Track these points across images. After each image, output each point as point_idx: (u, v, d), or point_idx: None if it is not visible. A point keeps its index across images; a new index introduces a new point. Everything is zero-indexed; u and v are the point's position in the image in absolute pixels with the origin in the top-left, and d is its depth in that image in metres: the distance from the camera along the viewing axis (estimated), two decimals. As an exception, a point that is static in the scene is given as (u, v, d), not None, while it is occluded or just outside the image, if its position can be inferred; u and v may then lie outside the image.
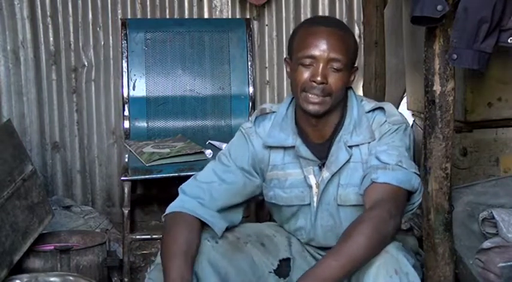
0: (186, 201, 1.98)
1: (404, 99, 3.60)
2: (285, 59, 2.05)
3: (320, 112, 1.93)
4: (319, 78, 1.88)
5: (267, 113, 2.07)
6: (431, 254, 2.27)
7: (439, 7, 2.03)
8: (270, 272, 2.02)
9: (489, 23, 2.04)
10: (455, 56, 2.09)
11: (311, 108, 1.92)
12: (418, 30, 2.56)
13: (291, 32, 3.71)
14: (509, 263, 2.31)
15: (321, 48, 1.89)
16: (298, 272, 2.04)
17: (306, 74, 1.91)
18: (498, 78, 2.87)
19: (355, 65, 2.00)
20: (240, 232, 2.05)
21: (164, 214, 2.00)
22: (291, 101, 2.05)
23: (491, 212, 2.49)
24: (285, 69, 2.05)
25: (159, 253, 1.94)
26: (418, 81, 2.97)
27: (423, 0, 2.04)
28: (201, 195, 1.98)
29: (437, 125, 2.20)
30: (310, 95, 1.91)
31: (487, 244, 2.45)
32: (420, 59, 2.30)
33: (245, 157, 2.05)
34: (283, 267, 2.05)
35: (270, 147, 2.04)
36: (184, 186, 2.04)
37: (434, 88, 2.19)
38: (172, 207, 1.98)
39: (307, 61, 1.90)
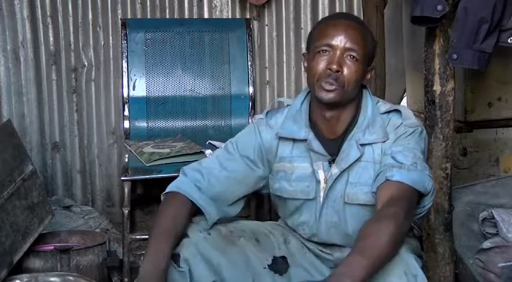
0: (184, 182, 2.01)
1: (405, 99, 3.60)
2: (303, 54, 2.07)
3: (332, 100, 1.94)
4: (334, 66, 1.91)
5: (280, 107, 2.10)
6: (431, 254, 2.27)
7: (439, 7, 2.03)
8: (265, 268, 2.02)
9: (489, 23, 2.04)
10: (455, 56, 2.09)
11: (325, 95, 1.93)
12: (418, 30, 2.56)
13: (291, 32, 3.79)
14: (509, 263, 2.31)
15: (338, 38, 1.93)
16: (297, 269, 2.05)
17: (322, 63, 1.94)
18: (498, 78, 2.88)
19: (372, 65, 2.02)
20: (234, 227, 2.06)
21: (163, 193, 2.02)
22: (307, 95, 2.07)
23: (491, 212, 2.50)
24: (302, 65, 2.09)
25: None
26: (418, 81, 2.97)
27: (423, 0, 2.05)
28: (199, 178, 2.01)
29: (437, 125, 2.20)
30: (324, 83, 1.93)
31: (487, 244, 2.45)
32: (420, 59, 2.30)
33: (251, 146, 2.06)
34: (279, 264, 2.05)
35: (279, 139, 2.05)
36: (186, 168, 2.06)
37: (434, 88, 2.19)
38: (170, 187, 2.01)
39: (324, 49, 1.94)
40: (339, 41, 1.93)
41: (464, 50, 2.07)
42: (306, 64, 2.02)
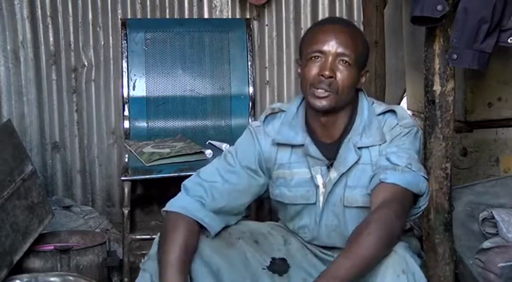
0: (187, 202, 1.98)
1: (405, 99, 3.60)
2: (296, 60, 2.06)
3: (326, 107, 1.93)
4: (327, 72, 1.90)
5: (277, 113, 2.08)
6: (431, 254, 2.27)
7: (439, 7, 2.03)
8: (264, 269, 2.02)
9: (489, 23, 2.04)
10: (455, 56, 2.09)
11: (317, 103, 1.93)
12: (418, 30, 2.56)
13: (291, 32, 3.79)
14: (509, 263, 2.31)
15: (329, 43, 1.92)
16: (297, 270, 2.05)
17: (314, 69, 1.93)
18: (498, 78, 2.88)
19: (366, 68, 2.01)
20: (233, 228, 2.05)
21: (164, 209, 1.99)
22: (302, 100, 2.06)
23: (491, 212, 2.50)
24: (297, 70, 2.06)
25: (154, 242, 1.95)
26: (418, 81, 2.97)
27: (423, 0, 2.04)
28: (202, 195, 1.98)
29: (437, 125, 2.20)
30: (317, 90, 1.92)
31: (487, 244, 2.45)
32: (420, 59, 2.30)
33: (251, 156, 2.05)
34: (278, 264, 2.04)
35: (278, 146, 2.04)
36: (186, 183, 2.04)
37: (434, 88, 2.19)
38: (173, 206, 1.98)
39: (316, 56, 1.93)
40: (330, 46, 1.92)
41: (464, 50, 2.06)
42: (299, 70, 2.01)
